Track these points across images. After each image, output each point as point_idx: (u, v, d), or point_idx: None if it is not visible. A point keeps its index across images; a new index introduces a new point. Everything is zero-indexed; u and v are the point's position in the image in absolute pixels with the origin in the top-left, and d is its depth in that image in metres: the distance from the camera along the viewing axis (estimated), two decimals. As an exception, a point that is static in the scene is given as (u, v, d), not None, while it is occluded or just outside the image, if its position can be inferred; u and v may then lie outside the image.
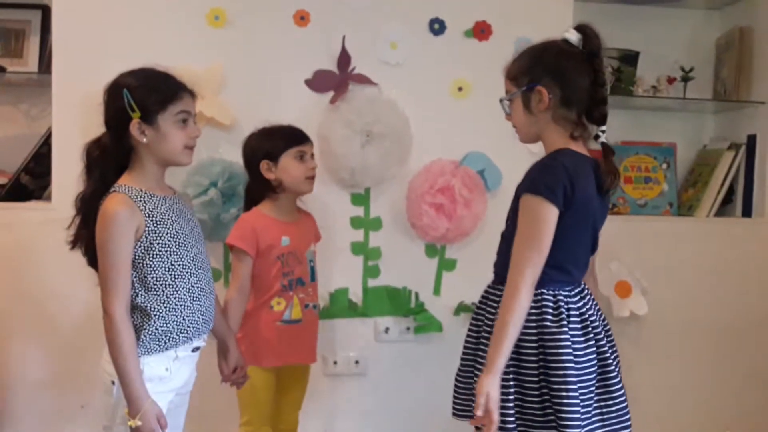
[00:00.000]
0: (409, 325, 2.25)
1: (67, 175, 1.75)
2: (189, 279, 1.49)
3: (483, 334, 1.44)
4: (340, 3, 2.15)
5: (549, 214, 1.33)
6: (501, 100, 1.48)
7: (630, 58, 2.53)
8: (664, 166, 2.53)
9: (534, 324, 1.37)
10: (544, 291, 1.37)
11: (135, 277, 1.43)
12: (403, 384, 2.27)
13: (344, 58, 2.13)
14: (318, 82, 2.14)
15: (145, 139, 1.45)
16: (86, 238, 1.46)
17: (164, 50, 1.92)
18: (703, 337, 2.38)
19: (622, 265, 2.30)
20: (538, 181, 1.35)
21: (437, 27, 2.20)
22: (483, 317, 1.47)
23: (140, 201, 1.44)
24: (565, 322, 1.36)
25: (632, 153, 2.52)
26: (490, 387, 1.30)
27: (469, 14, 2.21)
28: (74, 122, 1.97)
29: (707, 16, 2.60)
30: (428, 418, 2.15)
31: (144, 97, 1.43)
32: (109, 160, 1.47)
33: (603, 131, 1.42)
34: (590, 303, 1.44)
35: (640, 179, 2.51)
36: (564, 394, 1.32)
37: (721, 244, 2.38)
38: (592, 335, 1.40)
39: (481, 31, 2.21)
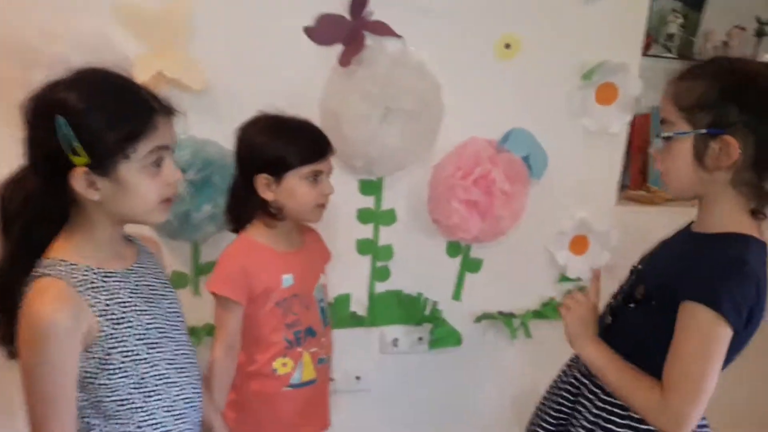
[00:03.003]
0: (421, 335, 1.87)
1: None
2: (168, 392, 1.01)
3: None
4: None
5: (725, 338, 0.96)
6: (658, 136, 1.03)
7: (695, 2, 2.05)
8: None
9: None
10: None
11: (85, 401, 0.95)
12: (411, 402, 1.92)
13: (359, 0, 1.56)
14: (322, 30, 1.56)
15: (97, 196, 0.92)
16: (3, 326, 0.95)
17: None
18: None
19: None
20: (722, 292, 0.95)
21: (484, -40, 1.63)
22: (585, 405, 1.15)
23: (89, 289, 0.93)
24: None
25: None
26: None
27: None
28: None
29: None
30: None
31: (96, 134, 0.88)
32: (37, 212, 0.93)
33: None
34: None
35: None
36: None
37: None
38: None
39: (540, -32, 1.66)
